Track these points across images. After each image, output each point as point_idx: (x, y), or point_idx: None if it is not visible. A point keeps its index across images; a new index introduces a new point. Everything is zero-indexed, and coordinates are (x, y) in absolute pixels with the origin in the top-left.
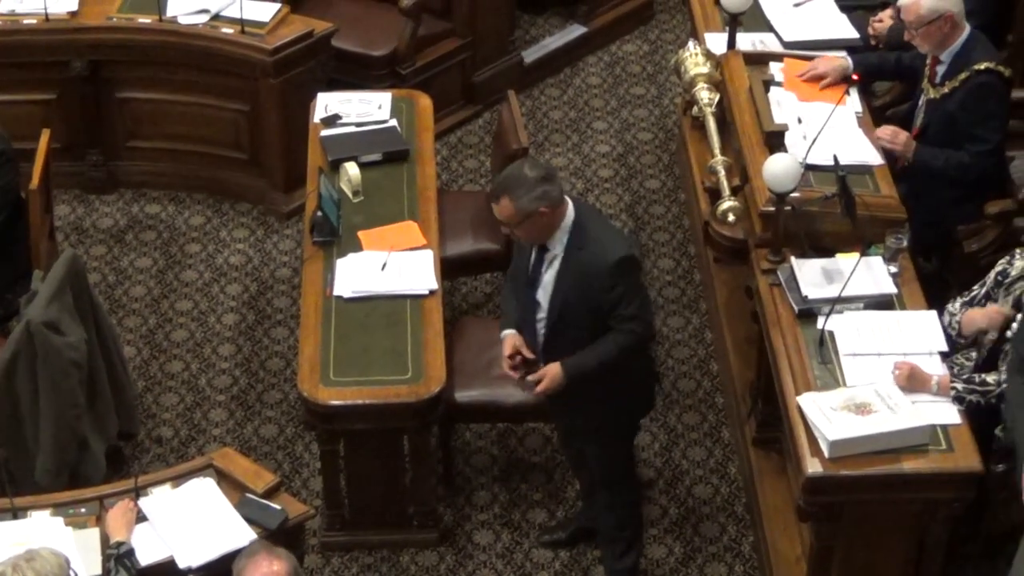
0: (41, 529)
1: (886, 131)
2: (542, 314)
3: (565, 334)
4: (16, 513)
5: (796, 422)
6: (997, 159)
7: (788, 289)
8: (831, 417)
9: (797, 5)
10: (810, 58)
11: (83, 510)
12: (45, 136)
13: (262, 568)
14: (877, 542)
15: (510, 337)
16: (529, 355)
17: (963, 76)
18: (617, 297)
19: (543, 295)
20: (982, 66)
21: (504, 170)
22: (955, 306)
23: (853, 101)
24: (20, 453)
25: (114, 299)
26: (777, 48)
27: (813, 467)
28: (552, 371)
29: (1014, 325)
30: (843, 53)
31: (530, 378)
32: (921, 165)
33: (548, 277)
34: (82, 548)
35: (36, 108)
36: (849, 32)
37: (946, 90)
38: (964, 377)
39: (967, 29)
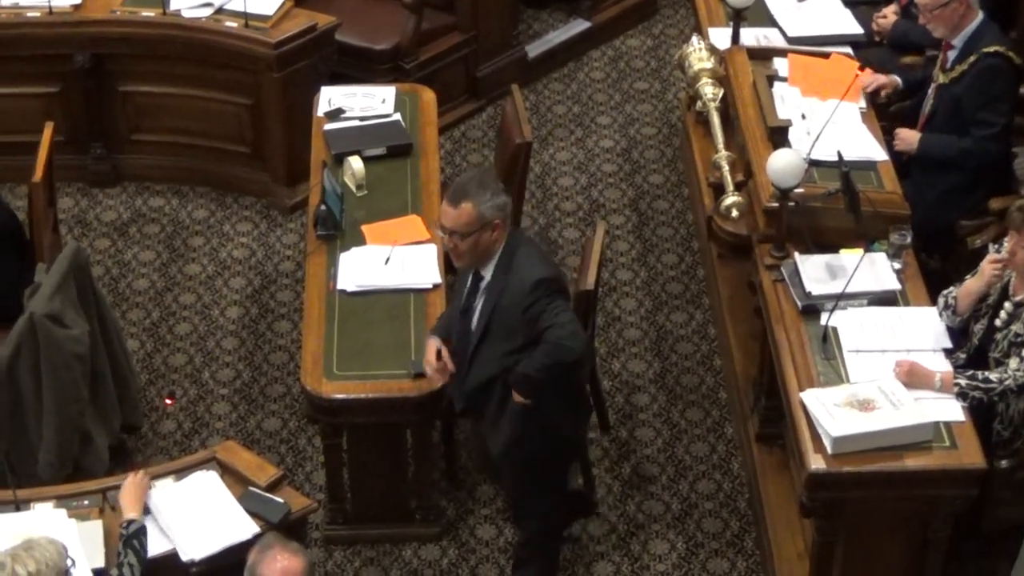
0: (44, 521)
1: (899, 141)
2: (474, 341)
3: (480, 366)
4: (19, 505)
5: (799, 418)
6: (1001, 147)
7: (791, 285)
8: (834, 413)
9: (801, 0)
10: (815, 53)
11: (86, 502)
12: (48, 129)
13: (278, 560)
14: (879, 538)
15: (432, 341)
16: (451, 367)
17: (972, 59)
18: (534, 315)
19: (474, 322)
20: (991, 49)
21: (460, 178)
22: (950, 291)
23: (857, 97)
24: (23, 446)
25: (118, 292)
26: (781, 43)
27: (816, 463)
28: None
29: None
30: (848, 49)
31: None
32: (924, 152)
33: (479, 304)
34: (85, 540)
35: (39, 101)
36: (853, 27)
37: (955, 74)
38: (967, 374)
39: (980, 14)
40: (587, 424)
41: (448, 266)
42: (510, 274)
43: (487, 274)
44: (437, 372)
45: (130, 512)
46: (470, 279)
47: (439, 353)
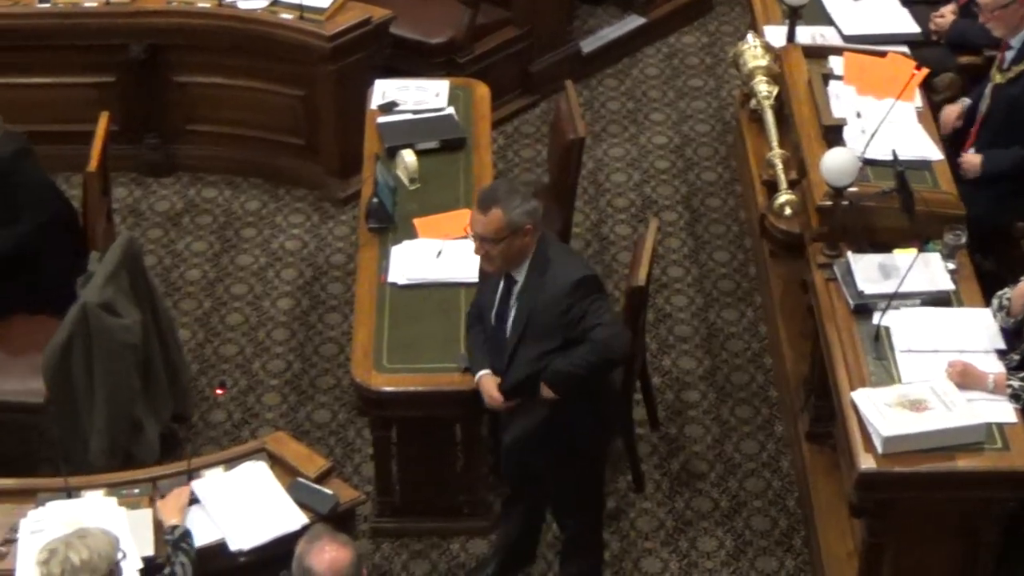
0: (95, 508)
1: (964, 168)
2: (509, 347)
3: (519, 365)
4: (70, 492)
5: (850, 417)
6: None
7: (844, 284)
8: (885, 413)
9: None
10: (871, 52)
11: (136, 491)
12: (103, 119)
13: (326, 552)
14: (929, 540)
15: (487, 378)
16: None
17: None
18: (576, 315)
19: (509, 326)
20: None
21: (488, 185)
22: (1004, 292)
23: (913, 96)
24: (75, 434)
25: (170, 282)
26: (837, 42)
27: (866, 463)
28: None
29: None
30: (904, 48)
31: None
32: (989, 173)
33: (514, 307)
34: (134, 528)
35: (95, 91)
36: (910, 27)
37: (1012, 75)
38: (1021, 375)
39: None
40: (616, 422)
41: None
42: (546, 276)
43: (520, 277)
44: (501, 405)
45: (172, 519)
46: (501, 284)
47: (500, 387)
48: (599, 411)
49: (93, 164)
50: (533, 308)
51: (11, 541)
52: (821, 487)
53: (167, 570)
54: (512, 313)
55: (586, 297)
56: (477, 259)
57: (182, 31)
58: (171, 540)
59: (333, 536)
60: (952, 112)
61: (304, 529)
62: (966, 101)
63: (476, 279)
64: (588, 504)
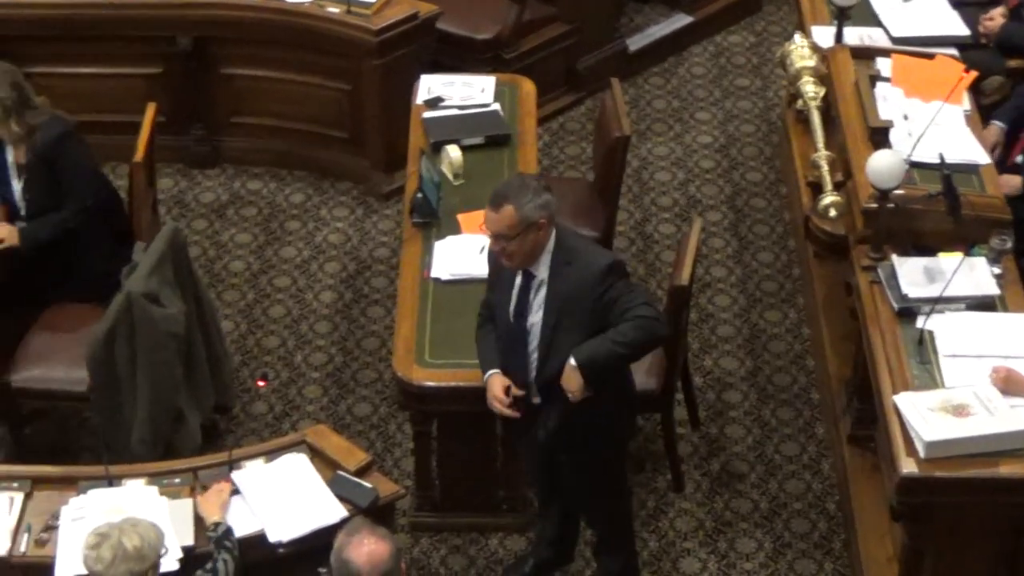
0: (135, 497)
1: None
2: (534, 342)
3: (558, 355)
4: (112, 481)
5: (892, 421)
6: None
7: (888, 287)
8: (928, 418)
9: (907, 0)
10: (919, 54)
11: (177, 480)
12: (150, 110)
13: (364, 545)
14: (970, 546)
15: (496, 377)
16: (518, 392)
17: None
18: (612, 298)
19: (534, 322)
20: None
21: (500, 183)
22: None
23: (961, 99)
24: (117, 423)
25: (213, 273)
26: (885, 43)
27: (908, 467)
28: (566, 371)
29: None
30: (953, 50)
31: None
32: None
33: (537, 303)
34: (175, 518)
35: (142, 82)
36: (959, 29)
37: None
38: None
39: None
40: (635, 418)
41: None
42: (573, 265)
43: (540, 271)
44: (509, 408)
45: (214, 516)
46: (518, 281)
47: (507, 389)
48: (619, 406)
49: (139, 155)
50: (565, 298)
51: (52, 528)
52: (862, 490)
53: (209, 566)
54: (535, 308)
55: (619, 281)
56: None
57: (230, 23)
58: (214, 537)
59: (372, 529)
60: (988, 140)
61: (343, 522)
62: (997, 124)
63: None
64: (612, 500)
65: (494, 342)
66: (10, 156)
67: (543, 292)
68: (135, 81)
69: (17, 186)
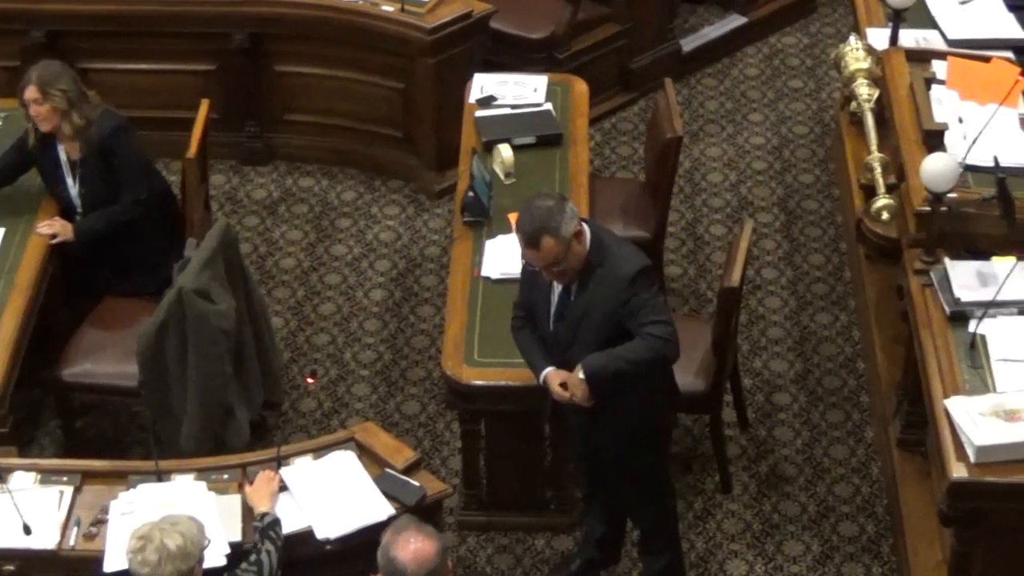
0: (184, 492)
1: None
2: (574, 336)
3: (580, 348)
4: (161, 476)
5: (942, 425)
6: None
7: (940, 290)
8: (979, 422)
9: (963, 3)
10: (975, 57)
11: (226, 476)
12: (204, 106)
13: (411, 543)
14: (1020, 551)
15: (555, 374)
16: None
17: None
18: (635, 307)
19: (571, 319)
20: None
21: (523, 220)
22: None
23: (1017, 102)
24: (167, 418)
25: (264, 270)
26: (941, 46)
27: (958, 472)
28: (573, 381)
29: None
30: (1009, 53)
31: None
32: None
33: (573, 301)
34: (223, 513)
35: (196, 78)
36: (1016, 32)
37: None
38: None
39: None
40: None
41: None
42: (604, 266)
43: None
44: (574, 399)
45: (262, 506)
46: (559, 285)
47: (564, 385)
48: (657, 402)
49: (192, 151)
50: (592, 299)
51: (101, 522)
52: (911, 494)
53: (253, 557)
54: (570, 307)
55: (645, 289)
56: None
57: (284, 21)
58: (259, 527)
59: (419, 527)
60: None
61: (390, 520)
62: None
63: None
64: (654, 498)
65: (537, 341)
66: (63, 155)
67: (579, 292)
68: (189, 77)
69: (72, 184)
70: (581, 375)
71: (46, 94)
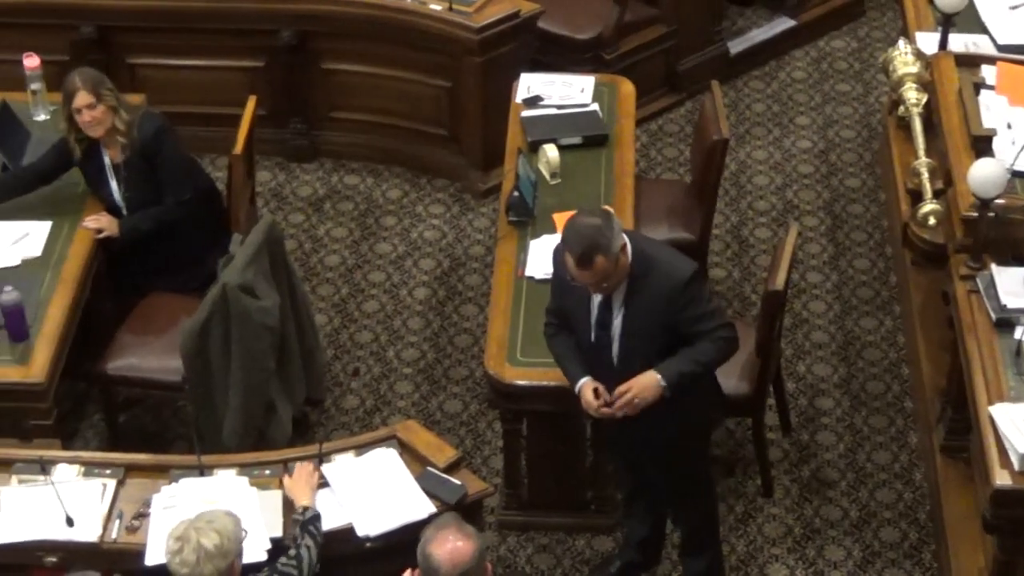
0: (226, 487)
1: None
2: (616, 350)
3: (635, 359)
4: (203, 470)
5: (987, 432)
6: None
7: (986, 297)
8: None
9: (1014, 7)
10: None
11: (267, 472)
12: (251, 103)
13: (448, 542)
14: None
15: (589, 383)
16: (607, 397)
17: None
18: (697, 312)
19: (615, 331)
20: None
21: (572, 240)
22: None
23: None
24: (210, 413)
25: (309, 267)
26: (990, 51)
27: (1002, 479)
28: (644, 380)
29: None
30: None
31: (617, 391)
32: None
33: (619, 312)
34: (265, 508)
35: (244, 75)
36: None
37: None
38: None
39: None
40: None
41: None
42: (652, 274)
43: (622, 283)
44: (603, 411)
45: (303, 500)
46: (599, 295)
47: (596, 392)
48: (703, 402)
49: (239, 147)
50: (644, 308)
51: (143, 516)
52: (954, 501)
53: (292, 551)
54: (615, 317)
55: (700, 293)
56: None
57: (332, 18)
58: (300, 521)
59: (460, 527)
60: None
61: (431, 518)
62: None
63: None
64: (697, 498)
65: (574, 349)
66: (107, 159)
67: (622, 302)
68: (237, 74)
69: (116, 187)
70: (663, 382)
71: (99, 96)
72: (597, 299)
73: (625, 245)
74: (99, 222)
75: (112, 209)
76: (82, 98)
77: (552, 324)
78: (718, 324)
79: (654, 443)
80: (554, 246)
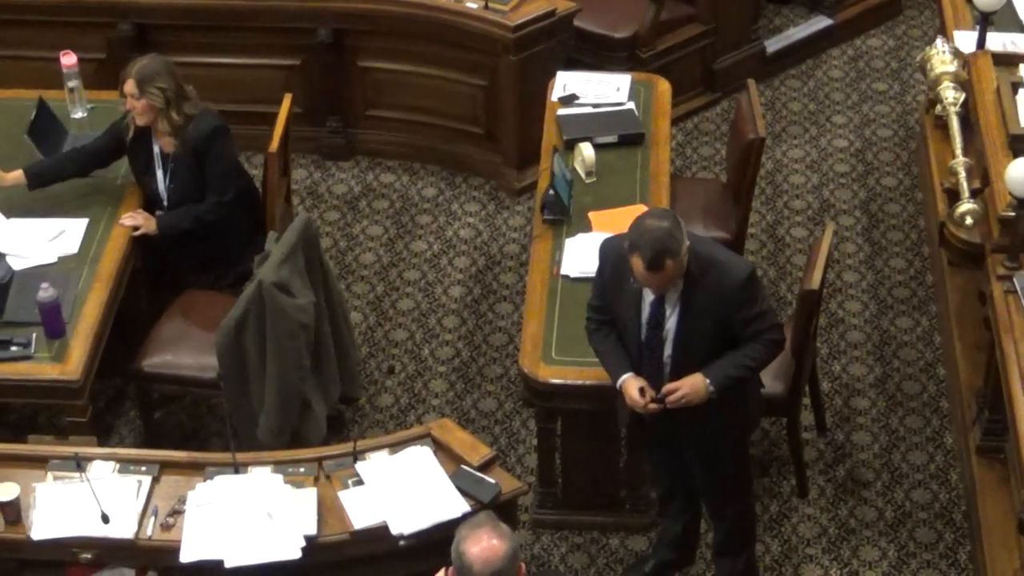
0: (261, 485)
1: None
2: (668, 350)
3: (688, 358)
4: (238, 468)
5: (1023, 434)
6: None
7: (1023, 296)
8: None
9: None
10: None
11: (302, 470)
12: (287, 101)
13: (482, 541)
14: None
15: (633, 380)
16: (652, 394)
17: None
18: (752, 312)
19: (668, 330)
20: None
21: (639, 247)
22: None
23: None
24: (245, 411)
25: (344, 264)
26: None
27: None
28: (693, 381)
29: None
30: None
31: (665, 390)
32: None
33: (673, 311)
34: (299, 506)
35: (280, 73)
36: None
37: None
38: None
39: None
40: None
41: None
42: (710, 274)
43: (677, 283)
44: (650, 407)
45: None
46: (651, 294)
47: (642, 391)
48: (748, 400)
49: (275, 145)
50: (702, 308)
51: (178, 513)
52: (990, 502)
53: None
54: (668, 317)
55: (756, 292)
56: None
57: (368, 17)
58: None
59: (495, 526)
60: None
61: (465, 517)
62: None
63: None
64: (738, 496)
65: (617, 345)
66: (157, 147)
67: (677, 300)
68: (273, 72)
69: (162, 177)
70: (712, 387)
71: (143, 91)
72: (649, 298)
73: (689, 247)
74: (135, 219)
75: (153, 198)
76: (128, 86)
77: (594, 319)
78: (770, 325)
79: (700, 440)
80: (600, 243)
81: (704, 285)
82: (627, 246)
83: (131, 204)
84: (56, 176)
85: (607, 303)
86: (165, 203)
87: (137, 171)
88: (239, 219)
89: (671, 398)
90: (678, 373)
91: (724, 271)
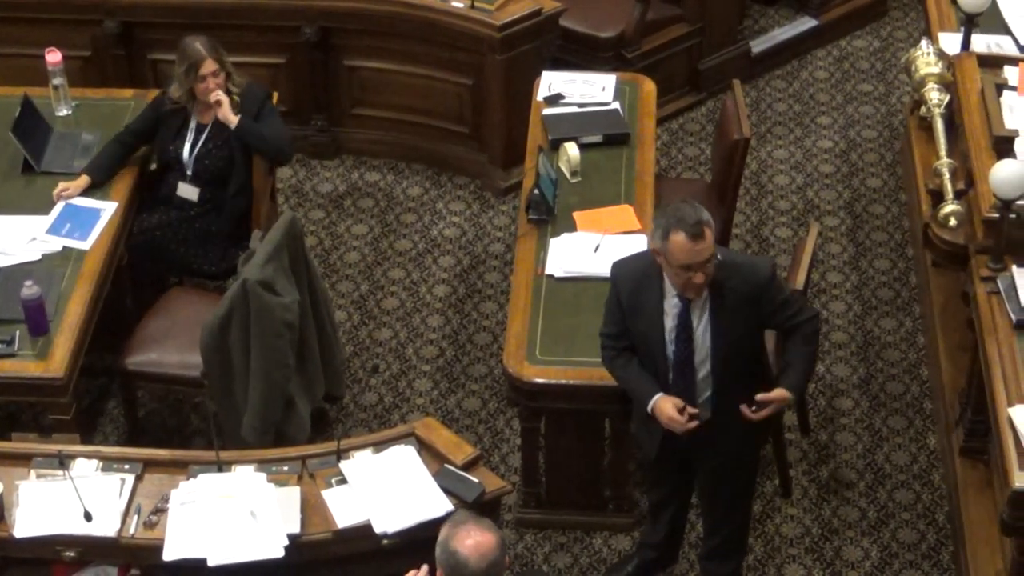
0: (244, 483)
1: None
2: (701, 358)
3: (734, 367)
4: (221, 466)
5: (1005, 434)
6: None
7: (1007, 298)
8: None
9: None
10: None
11: (285, 468)
12: (273, 99)
13: (472, 535)
14: None
15: (665, 400)
16: (693, 410)
17: None
18: (782, 299)
19: (701, 340)
20: None
21: (679, 220)
22: None
23: None
24: (229, 409)
25: (329, 263)
26: (1013, 52)
27: (1020, 481)
28: (779, 396)
29: None
30: None
31: (758, 402)
32: None
33: (703, 321)
34: (282, 505)
35: (266, 71)
36: None
37: None
38: None
39: None
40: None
41: None
42: (734, 279)
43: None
44: (689, 425)
45: None
46: (675, 305)
47: (681, 409)
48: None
49: None
50: (734, 312)
51: (161, 511)
52: (972, 503)
53: None
54: (698, 327)
55: (780, 282)
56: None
57: (354, 15)
58: None
59: (477, 520)
60: None
61: (448, 516)
62: None
63: None
64: (746, 503)
65: (641, 369)
66: (193, 120)
67: (707, 308)
68: (259, 70)
69: (189, 146)
70: (793, 398)
71: (222, 62)
72: (673, 311)
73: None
74: (67, 189)
75: (174, 165)
76: (208, 66)
77: (609, 347)
78: (808, 317)
79: (726, 456)
80: (610, 268)
81: (731, 288)
82: (664, 230)
83: (118, 193)
84: (114, 164)
85: (623, 328)
86: (189, 171)
87: (163, 138)
88: (242, 205)
89: (762, 413)
90: (720, 383)
91: (748, 271)
